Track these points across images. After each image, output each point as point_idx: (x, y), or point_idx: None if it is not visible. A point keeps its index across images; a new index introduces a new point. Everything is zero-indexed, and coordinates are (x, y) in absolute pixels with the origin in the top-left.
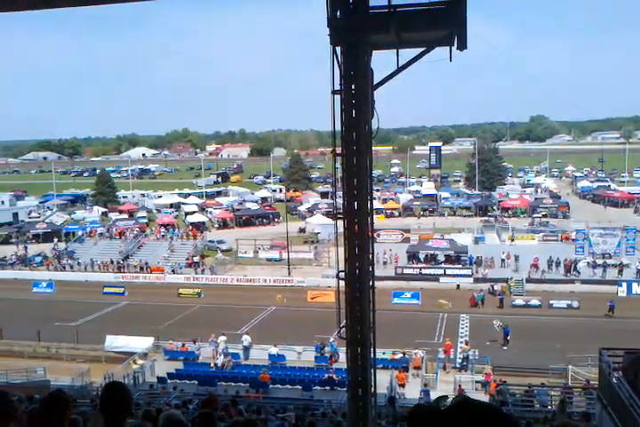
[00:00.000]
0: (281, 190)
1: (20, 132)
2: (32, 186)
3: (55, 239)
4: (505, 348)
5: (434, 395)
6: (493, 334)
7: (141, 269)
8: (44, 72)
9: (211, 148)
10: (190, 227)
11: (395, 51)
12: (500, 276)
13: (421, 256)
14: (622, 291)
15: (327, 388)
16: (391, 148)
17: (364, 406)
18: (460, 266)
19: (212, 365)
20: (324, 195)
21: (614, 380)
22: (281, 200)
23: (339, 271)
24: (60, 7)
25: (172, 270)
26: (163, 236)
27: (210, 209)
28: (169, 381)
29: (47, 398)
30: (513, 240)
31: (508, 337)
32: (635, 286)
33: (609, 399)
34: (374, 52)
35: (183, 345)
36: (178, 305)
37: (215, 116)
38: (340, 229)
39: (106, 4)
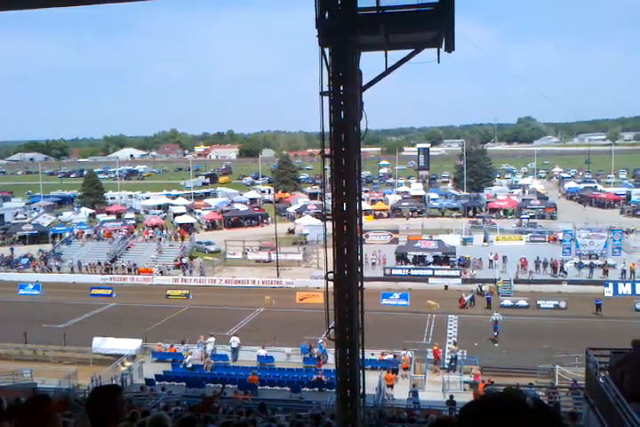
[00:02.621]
0: (270, 191)
1: (7, 133)
2: (18, 187)
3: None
4: (496, 345)
5: (422, 396)
6: (484, 333)
7: (129, 270)
8: (30, 72)
9: (199, 149)
10: (178, 228)
11: (383, 52)
12: (488, 276)
13: (410, 257)
14: (609, 291)
15: (316, 389)
16: (380, 149)
17: (353, 407)
18: (449, 267)
19: (201, 364)
20: (312, 196)
21: (601, 380)
22: (270, 201)
23: (327, 272)
24: (43, 8)
25: (161, 272)
26: (151, 237)
27: (198, 210)
28: (157, 383)
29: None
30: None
31: (496, 332)
32: (621, 286)
33: (596, 399)
34: (363, 53)
35: (171, 346)
36: (166, 307)
37: (203, 117)
38: (329, 231)
39: (88, 4)
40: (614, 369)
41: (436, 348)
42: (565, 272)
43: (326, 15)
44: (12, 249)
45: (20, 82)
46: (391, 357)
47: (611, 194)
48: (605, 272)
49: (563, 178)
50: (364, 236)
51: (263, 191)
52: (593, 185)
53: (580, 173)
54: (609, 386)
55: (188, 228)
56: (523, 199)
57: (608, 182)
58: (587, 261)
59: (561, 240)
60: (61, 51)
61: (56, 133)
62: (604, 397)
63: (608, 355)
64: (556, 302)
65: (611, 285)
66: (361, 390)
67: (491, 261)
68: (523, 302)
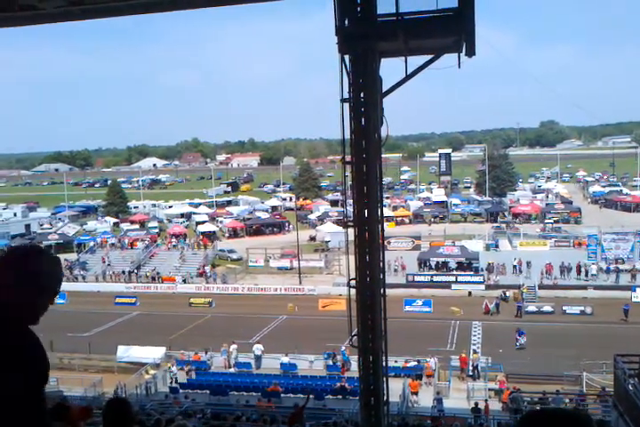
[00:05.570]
0: (291, 199)
1: (32, 145)
2: (44, 197)
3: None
4: (520, 344)
5: (447, 403)
6: (508, 340)
7: (153, 279)
8: (54, 84)
9: (221, 157)
10: (201, 236)
11: (403, 58)
12: (512, 282)
13: (432, 263)
14: (636, 296)
15: (339, 397)
16: (401, 155)
17: (377, 415)
18: (472, 273)
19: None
20: (334, 203)
21: (630, 387)
22: (291, 209)
23: (350, 279)
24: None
25: (184, 280)
26: (174, 246)
27: (220, 218)
28: (181, 390)
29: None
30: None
31: (521, 338)
32: None
33: (625, 407)
34: (382, 59)
35: (195, 354)
36: (189, 315)
37: (225, 126)
38: (351, 237)
39: (110, 16)
40: None
41: (464, 355)
42: (594, 275)
43: (346, 22)
44: None
45: (44, 93)
46: (415, 363)
47: (637, 197)
48: (633, 277)
49: (587, 182)
50: (385, 242)
51: (284, 199)
52: (618, 188)
53: (605, 177)
54: (639, 393)
55: (210, 236)
56: (546, 204)
57: (634, 185)
58: (613, 266)
59: (586, 245)
60: (83, 62)
61: (80, 144)
62: (634, 404)
63: (637, 361)
64: (582, 308)
65: (638, 289)
66: (384, 398)
67: (515, 266)
68: (548, 308)
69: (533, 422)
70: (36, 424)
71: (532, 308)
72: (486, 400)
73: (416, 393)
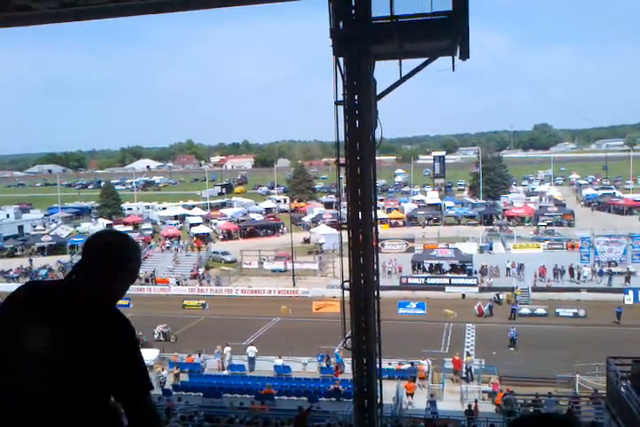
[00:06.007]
0: (285, 201)
1: (25, 146)
2: (37, 199)
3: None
4: (512, 348)
5: (441, 405)
6: (502, 342)
7: (146, 281)
8: (48, 85)
9: (215, 159)
10: (195, 238)
11: (397, 61)
12: (506, 285)
13: (426, 266)
14: (629, 299)
15: (333, 399)
16: (395, 157)
17: (370, 417)
18: (466, 275)
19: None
20: (328, 205)
21: (623, 389)
22: (285, 211)
23: (343, 282)
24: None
25: (177, 282)
26: (167, 247)
27: (214, 220)
28: (174, 393)
29: None
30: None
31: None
32: None
33: (617, 409)
34: (377, 62)
35: (189, 356)
36: (183, 317)
37: (219, 128)
38: (345, 240)
39: (106, 17)
40: (636, 378)
41: (457, 357)
42: (585, 276)
43: (340, 25)
44: (30, 260)
45: (38, 94)
46: (409, 366)
47: (629, 200)
48: (627, 279)
49: (580, 184)
50: (379, 245)
51: (278, 201)
52: (611, 191)
53: (598, 180)
54: (631, 395)
55: (204, 238)
56: (540, 206)
57: (627, 188)
58: (605, 269)
59: (579, 247)
60: (77, 63)
61: (74, 146)
62: (627, 407)
63: (630, 364)
64: (575, 311)
65: (631, 292)
66: (378, 400)
67: (508, 269)
68: (541, 311)
69: (522, 426)
70: None
71: (525, 310)
72: (476, 401)
73: (412, 394)
